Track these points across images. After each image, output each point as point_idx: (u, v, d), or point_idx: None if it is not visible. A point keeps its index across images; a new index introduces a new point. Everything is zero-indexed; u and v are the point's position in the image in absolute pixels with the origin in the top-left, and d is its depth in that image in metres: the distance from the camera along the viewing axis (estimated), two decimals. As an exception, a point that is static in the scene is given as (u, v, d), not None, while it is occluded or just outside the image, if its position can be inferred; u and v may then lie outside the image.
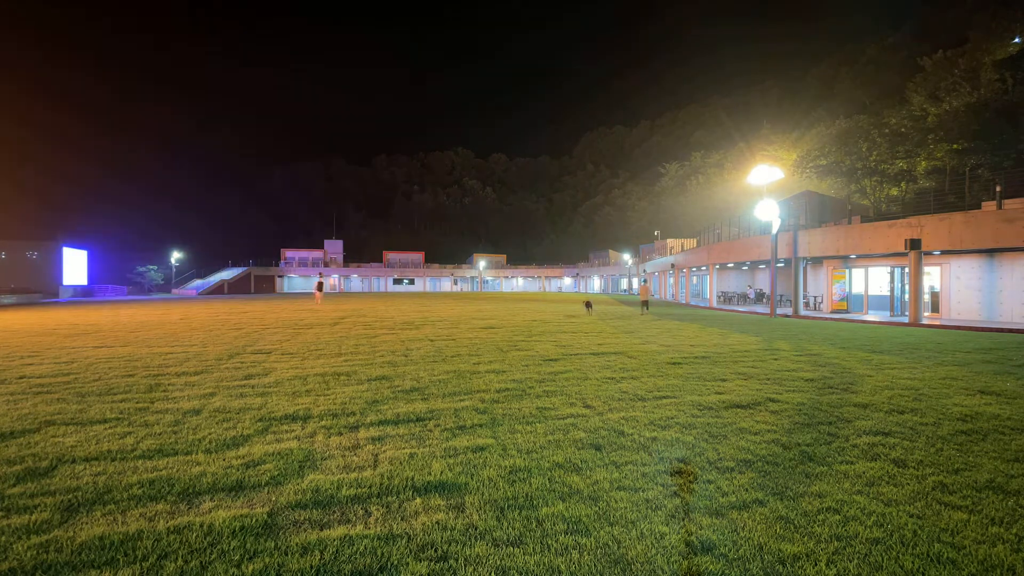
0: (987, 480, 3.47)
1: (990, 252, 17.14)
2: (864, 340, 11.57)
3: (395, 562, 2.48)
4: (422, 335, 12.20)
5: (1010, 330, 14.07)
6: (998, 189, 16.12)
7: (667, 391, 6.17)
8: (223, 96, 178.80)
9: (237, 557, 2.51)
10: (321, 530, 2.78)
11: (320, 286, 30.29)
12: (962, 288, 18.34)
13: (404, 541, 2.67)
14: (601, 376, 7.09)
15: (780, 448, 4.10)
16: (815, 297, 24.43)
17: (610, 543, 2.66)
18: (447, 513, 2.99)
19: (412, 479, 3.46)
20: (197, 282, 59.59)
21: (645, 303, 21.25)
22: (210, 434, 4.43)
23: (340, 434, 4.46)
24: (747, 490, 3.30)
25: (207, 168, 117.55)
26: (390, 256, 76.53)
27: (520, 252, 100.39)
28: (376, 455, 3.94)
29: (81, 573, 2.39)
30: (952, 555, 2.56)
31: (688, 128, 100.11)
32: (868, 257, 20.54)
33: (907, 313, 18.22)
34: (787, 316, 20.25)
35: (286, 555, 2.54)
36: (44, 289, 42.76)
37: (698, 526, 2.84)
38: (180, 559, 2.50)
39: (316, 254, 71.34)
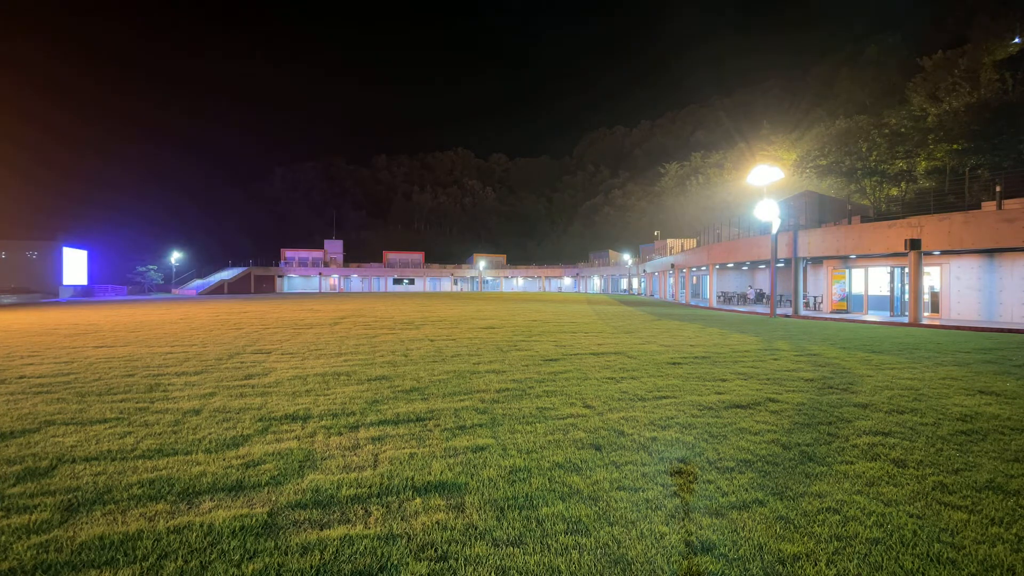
0: (987, 480, 3.47)
1: (990, 252, 17.14)
2: (864, 340, 11.57)
3: (395, 562, 2.48)
4: (422, 335, 12.20)
5: (1010, 330, 14.07)
6: (998, 189, 16.12)
7: (667, 391, 6.17)
8: (224, 96, 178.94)
9: (237, 557, 2.51)
10: (321, 530, 2.78)
11: None
12: (962, 288, 18.34)
13: (404, 541, 2.67)
14: (601, 376, 7.09)
15: (780, 448, 4.10)
16: (815, 297, 24.42)
17: (610, 543, 2.66)
18: (447, 513, 2.99)
19: (412, 479, 3.46)
20: (197, 282, 59.58)
21: None
22: (210, 434, 4.43)
23: (340, 434, 4.46)
24: (747, 490, 3.30)
25: (207, 168, 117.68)
26: (390, 256, 76.51)
27: (520, 252, 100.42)
28: (376, 455, 3.94)
29: (81, 573, 2.39)
30: (952, 555, 2.56)
31: (688, 128, 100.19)
32: (868, 257, 20.53)
33: (907, 313, 18.22)
34: (787, 316, 20.25)
35: (286, 555, 2.54)
36: (44, 289, 42.75)
37: (698, 526, 2.84)
38: (180, 559, 2.50)
39: (316, 254, 71.32)
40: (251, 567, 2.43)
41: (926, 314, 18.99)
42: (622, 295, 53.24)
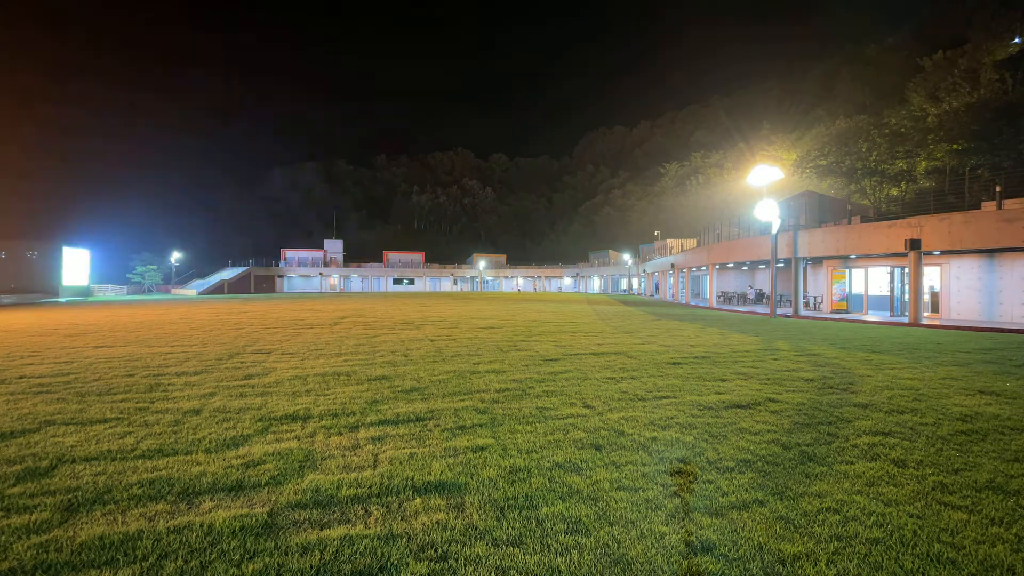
0: (987, 480, 3.47)
1: (990, 252, 17.14)
2: (864, 340, 11.57)
3: (395, 562, 2.48)
4: (422, 335, 12.20)
5: (1010, 330, 14.07)
6: (998, 189, 16.12)
7: (667, 391, 6.16)
8: (223, 97, 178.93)
9: (237, 557, 2.51)
10: (321, 530, 2.78)
11: None
12: (962, 288, 18.34)
13: (404, 541, 2.67)
14: (601, 376, 7.09)
15: (780, 448, 4.10)
16: (815, 297, 24.42)
17: (610, 543, 2.66)
18: (447, 513, 2.99)
19: (412, 479, 3.46)
20: (197, 282, 59.57)
21: None
22: (210, 434, 4.43)
23: (340, 434, 4.46)
24: (747, 490, 3.30)
25: (207, 168, 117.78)
26: (390, 256, 76.50)
27: (520, 252, 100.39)
28: (376, 455, 3.94)
29: (81, 573, 2.39)
30: (952, 555, 2.56)
31: (688, 128, 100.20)
32: (868, 257, 20.53)
33: (907, 313, 18.22)
34: (787, 316, 20.25)
35: (286, 555, 2.54)
36: (44, 289, 42.73)
37: (698, 526, 2.84)
38: (180, 559, 2.50)
39: (316, 254, 71.31)
40: (251, 567, 2.43)
41: (926, 314, 18.99)
42: (622, 295, 53.23)
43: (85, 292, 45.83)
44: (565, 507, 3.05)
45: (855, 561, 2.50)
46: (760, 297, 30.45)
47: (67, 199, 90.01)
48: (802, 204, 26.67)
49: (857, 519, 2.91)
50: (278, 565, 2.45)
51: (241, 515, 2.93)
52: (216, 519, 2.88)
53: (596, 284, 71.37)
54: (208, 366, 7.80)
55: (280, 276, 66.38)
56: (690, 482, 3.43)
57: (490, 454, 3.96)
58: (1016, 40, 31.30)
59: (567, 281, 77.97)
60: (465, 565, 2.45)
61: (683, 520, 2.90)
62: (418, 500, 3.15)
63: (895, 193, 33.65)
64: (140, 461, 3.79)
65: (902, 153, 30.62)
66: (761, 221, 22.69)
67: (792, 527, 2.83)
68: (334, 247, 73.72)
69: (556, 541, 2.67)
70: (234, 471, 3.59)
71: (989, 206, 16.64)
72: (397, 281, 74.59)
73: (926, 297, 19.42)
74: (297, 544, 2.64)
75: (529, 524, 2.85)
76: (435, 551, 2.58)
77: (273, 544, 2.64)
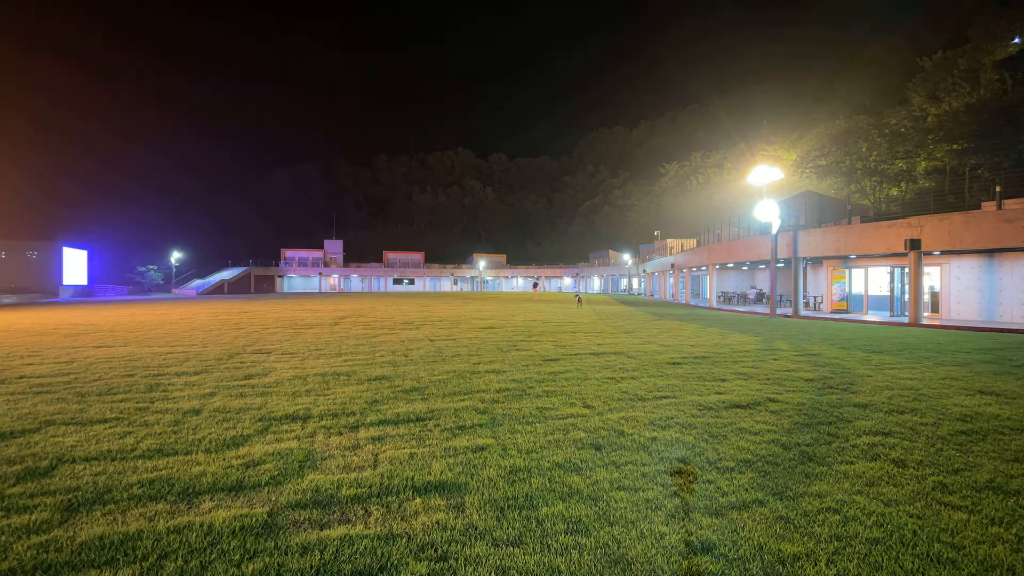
0: (987, 480, 3.47)
1: (990, 252, 17.14)
2: (864, 340, 11.57)
3: (395, 562, 2.48)
4: (422, 335, 12.20)
5: (1010, 330, 14.07)
6: (998, 189, 16.12)
7: (667, 391, 6.17)
8: (223, 96, 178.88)
9: (237, 557, 2.51)
10: (321, 530, 2.78)
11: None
12: (962, 288, 18.34)
13: (404, 541, 2.67)
14: (601, 376, 7.09)
15: (780, 448, 4.10)
16: (815, 297, 24.42)
17: (610, 543, 2.66)
18: (447, 513, 2.99)
19: (412, 479, 3.47)
20: (197, 282, 59.59)
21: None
22: (210, 434, 4.43)
23: (340, 434, 4.46)
24: (747, 490, 3.30)
25: (207, 168, 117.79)
26: (390, 256, 76.51)
27: (520, 252, 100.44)
28: (376, 455, 3.94)
29: (81, 573, 2.39)
30: (952, 555, 2.56)
31: (688, 128, 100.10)
32: (868, 257, 20.53)
33: (907, 313, 18.22)
34: (787, 316, 20.25)
35: (286, 555, 2.54)
36: (44, 289, 42.75)
37: (698, 526, 2.84)
38: (180, 559, 2.50)
39: (316, 254, 71.30)
40: (251, 567, 2.43)
41: (926, 314, 19.00)
42: (622, 295, 53.24)
43: (85, 292, 45.82)
44: (565, 507, 3.05)
45: (855, 561, 2.50)
46: (760, 297, 30.45)
47: (67, 199, 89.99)
48: (802, 204, 26.68)
49: (857, 519, 2.91)
50: (278, 565, 2.45)
51: (241, 515, 2.93)
52: (216, 519, 2.88)
53: (596, 284, 71.39)
54: (208, 366, 7.80)
55: (280, 276, 66.39)
56: (690, 482, 3.43)
57: (490, 454, 3.96)
58: (1016, 40, 31.31)
59: (567, 281, 77.96)
60: (465, 565, 2.45)
61: (683, 520, 2.90)
62: (418, 500, 3.15)
63: (895, 193, 33.68)
64: (140, 461, 3.79)
65: (902, 153, 30.66)
66: (761, 221, 22.70)
67: (792, 527, 2.83)
68: (334, 247, 73.72)
69: (556, 541, 2.67)
70: (234, 471, 3.59)
71: (989, 206, 16.64)
72: (397, 281, 74.58)
73: (926, 297, 19.43)
74: (297, 544, 2.64)
75: (529, 524, 2.85)
76: (435, 551, 2.58)
77: (273, 544, 2.64)
